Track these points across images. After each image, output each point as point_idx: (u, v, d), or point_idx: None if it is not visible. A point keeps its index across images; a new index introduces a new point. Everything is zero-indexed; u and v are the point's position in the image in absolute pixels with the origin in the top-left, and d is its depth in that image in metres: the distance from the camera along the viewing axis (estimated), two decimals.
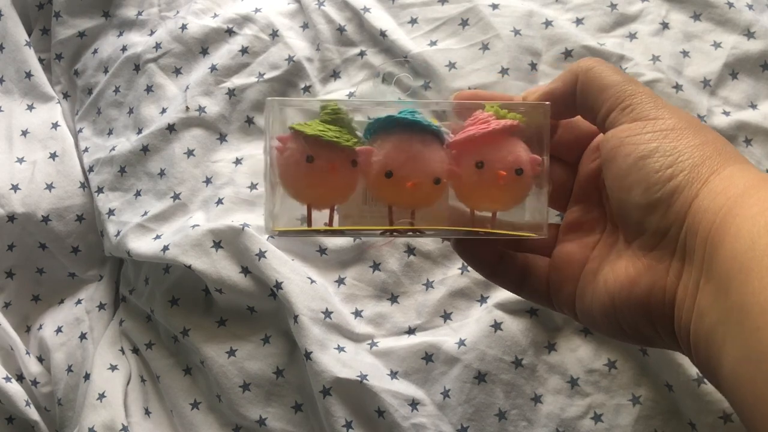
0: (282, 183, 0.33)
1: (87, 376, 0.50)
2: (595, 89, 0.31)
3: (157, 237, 0.51)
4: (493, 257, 0.35)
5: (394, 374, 0.46)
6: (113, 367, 0.51)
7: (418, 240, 0.48)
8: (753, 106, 0.50)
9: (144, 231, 0.52)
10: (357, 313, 0.48)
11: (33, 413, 0.50)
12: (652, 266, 0.28)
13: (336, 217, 0.34)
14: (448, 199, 0.34)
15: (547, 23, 0.52)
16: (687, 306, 0.26)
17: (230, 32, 0.56)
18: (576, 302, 0.33)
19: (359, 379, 0.44)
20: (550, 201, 0.34)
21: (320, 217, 0.34)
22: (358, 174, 0.33)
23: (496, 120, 0.32)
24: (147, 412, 0.50)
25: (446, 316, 0.47)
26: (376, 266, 0.49)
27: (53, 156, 0.56)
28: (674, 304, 0.27)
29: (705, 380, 0.41)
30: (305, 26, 0.56)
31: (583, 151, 0.35)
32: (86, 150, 0.57)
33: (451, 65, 0.51)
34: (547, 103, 0.33)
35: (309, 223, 0.33)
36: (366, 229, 0.34)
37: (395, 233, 0.33)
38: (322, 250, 0.49)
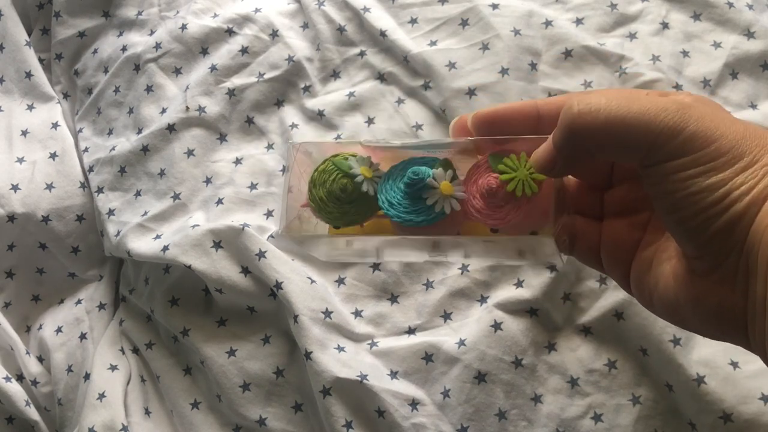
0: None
1: (87, 376, 0.50)
2: (613, 152, 0.27)
3: (157, 237, 0.51)
4: None
5: (394, 374, 0.46)
6: (113, 367, 0.51)
7: None
8: (753, 106, 0.50)
9: (144, 231, 0.52)
10: (357, 313, 0.48)
11: (33, 413, 0.50)
12: (716, 288, 0.26)
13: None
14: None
15: (547, 23, 0.52)
16: (759, 324, 0.25)
17: (230, 32, 0.56)
18: (633, 290, 0.31)
19: (359, 379, 0.44)
20: (591, 181, 0.33)
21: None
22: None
23: (510, 199, 0.31)
24: (147, 412, 0.50)
25: (446, 316, 0.47)
26: (376, 266, 0.49)
27: (53, 156, 0.56)
28: (746, 321, 0.26)
29: (705, 380, 0.41)
30: (305, 26, 0.56)
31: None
32: (86, 150, 0.57)
33: (451, 65, 0.51)
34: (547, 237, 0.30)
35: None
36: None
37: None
38: None
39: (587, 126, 0.27)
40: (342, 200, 0.33)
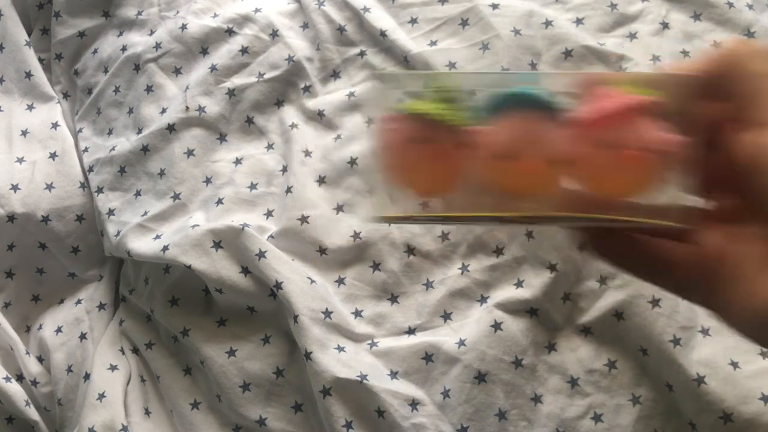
0: (387, 168, 0.30)
1: (87, 376, 0.50)
2: (741, 93, 0.27)
3: (157, 237, 0.51)
4: (629, 250, 0.31)
5: (394, 374, 0.46)
6: (113, 367, 0.51)
7: (417, 240, 0.48)
8: None
9: (144, 231, 0.52)
10: (357, 313, 0.48)
11: (33, 413, 0.50)
12: None
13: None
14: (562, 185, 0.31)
15: (547, 23, 0.52)
16: None
17: (230, 32, 0.56)
18: (731, 306, 0.29)
19: (359, 379, 0.44)
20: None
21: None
22: (467, 157, 0.29)
23: (628, 96, 0.28)
24: (147, 412, 0.50)
25: (446, 316, 0.47)
26: (376, 266, 0.49)
27: (53, 156, 0.56)
28: None
29: (705, 380, 0.41)
30: (305, 26, 0.56)
31: (718, 130, 0.31)
32: (86, 150, 0.57)
33: (451, 65, 0.51)
34: (692, 74, 0.29)
35: (415, 211, 0.30)
36: (478, 216, 0.30)
37: (514, 222, 0.30)
38: (322, 250, 0.49)
39: (739, 53, 0.28)
40: (439, 97, 0.30)
